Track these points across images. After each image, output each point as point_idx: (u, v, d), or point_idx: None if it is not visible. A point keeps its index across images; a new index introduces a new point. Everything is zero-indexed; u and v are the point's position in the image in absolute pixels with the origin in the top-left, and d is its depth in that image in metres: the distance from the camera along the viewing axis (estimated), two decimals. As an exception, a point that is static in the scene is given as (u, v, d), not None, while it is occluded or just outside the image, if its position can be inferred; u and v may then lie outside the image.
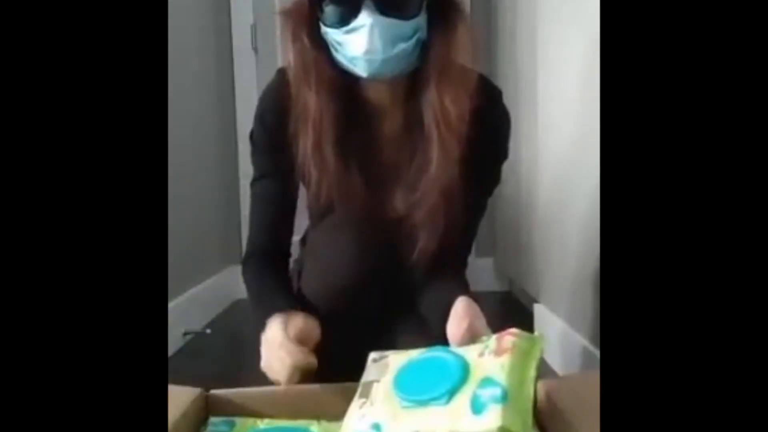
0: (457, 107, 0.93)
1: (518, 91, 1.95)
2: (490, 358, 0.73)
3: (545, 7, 1.65)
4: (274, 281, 1.02)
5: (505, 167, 1.07)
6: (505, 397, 0.67)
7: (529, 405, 0.69)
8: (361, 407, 0.76)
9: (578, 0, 1.37)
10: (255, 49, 2.49)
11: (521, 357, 0.72)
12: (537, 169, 1.75)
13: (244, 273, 1.04)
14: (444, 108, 0.93)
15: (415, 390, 0.74)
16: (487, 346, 0.76)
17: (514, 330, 0.77)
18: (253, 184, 1.06)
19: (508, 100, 1.05)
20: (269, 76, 1.05)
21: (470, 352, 0.76)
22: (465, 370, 0.73)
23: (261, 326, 0.92)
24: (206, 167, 2.23)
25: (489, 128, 0.98)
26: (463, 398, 0.70)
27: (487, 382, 0.70)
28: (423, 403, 0.71)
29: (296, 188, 1.03)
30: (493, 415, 0.66)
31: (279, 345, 0.87)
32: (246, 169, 2.42)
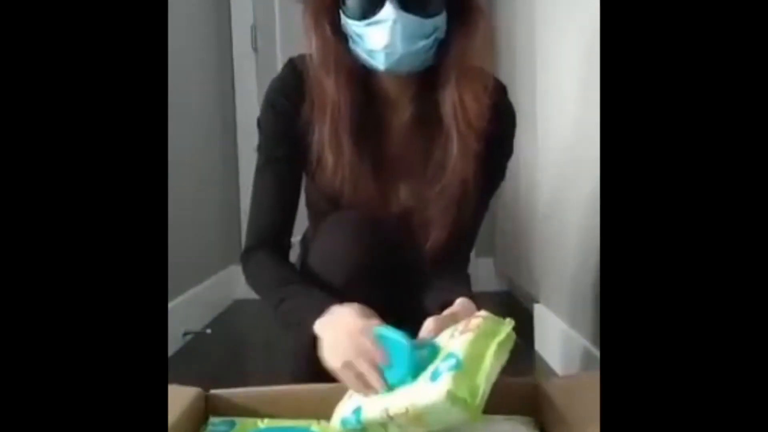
0: (478, 104, 0.95)
1: (517, 91, 1.95)
2: (457, 337, 0.77)
3: (543, 7, 1.65)
4: (291, 269, 1.01)
5: (506, 166, 1.07)
6: (458, 366, 0.71)
7: (483, 379, 0.71)
8: (350, 397, 0.81)
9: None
10: (255, 50, 2.49)
11: (483, 336, 0.75)
12: (537, 169, 1.75)
13: (247, 264, 1.01)
14: (464, 105, 0.94)
15: (391, 377, 0.77)
16: (456, 329, 0.79)
17: (483, 312, 0.81)
18: (258, 170, 1.04)
19: (507, 99, 1.05)
20: (269, 76, 1.06)
21: (442, 337, 0.80)
22: (435, 353, 0.77)
23: (289, 314, 0.91)
24: (206, 167, 2.23)
25: (498, 125, 0.99)
26: (426, 373, 0.74)
27: (448, 356, 0.73)
28: (396, 385, 0.75)
29: (300, 177, 1.03)
30: (444, 381, 0.69)
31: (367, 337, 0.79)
32: (246, 169, 2.43)
